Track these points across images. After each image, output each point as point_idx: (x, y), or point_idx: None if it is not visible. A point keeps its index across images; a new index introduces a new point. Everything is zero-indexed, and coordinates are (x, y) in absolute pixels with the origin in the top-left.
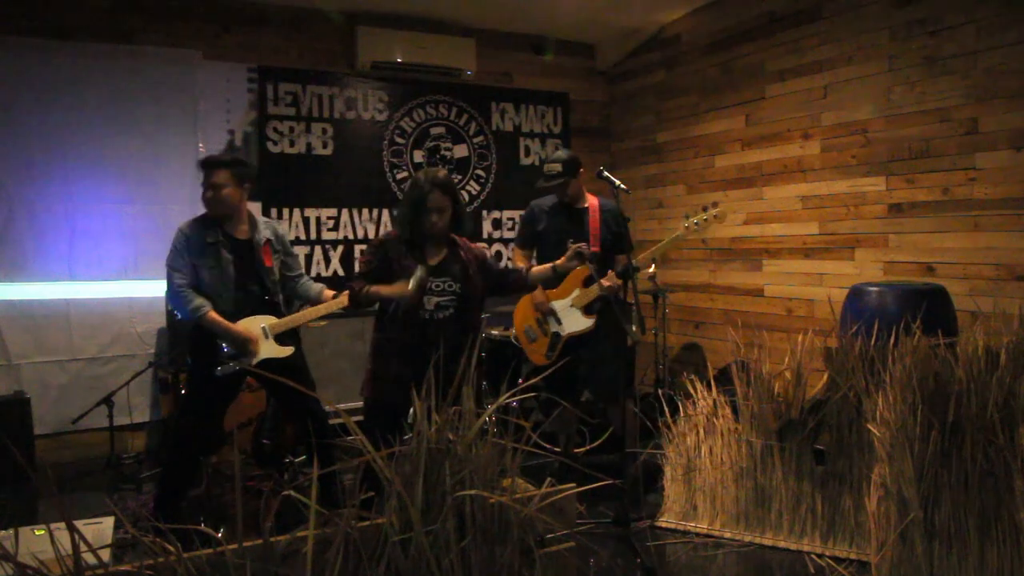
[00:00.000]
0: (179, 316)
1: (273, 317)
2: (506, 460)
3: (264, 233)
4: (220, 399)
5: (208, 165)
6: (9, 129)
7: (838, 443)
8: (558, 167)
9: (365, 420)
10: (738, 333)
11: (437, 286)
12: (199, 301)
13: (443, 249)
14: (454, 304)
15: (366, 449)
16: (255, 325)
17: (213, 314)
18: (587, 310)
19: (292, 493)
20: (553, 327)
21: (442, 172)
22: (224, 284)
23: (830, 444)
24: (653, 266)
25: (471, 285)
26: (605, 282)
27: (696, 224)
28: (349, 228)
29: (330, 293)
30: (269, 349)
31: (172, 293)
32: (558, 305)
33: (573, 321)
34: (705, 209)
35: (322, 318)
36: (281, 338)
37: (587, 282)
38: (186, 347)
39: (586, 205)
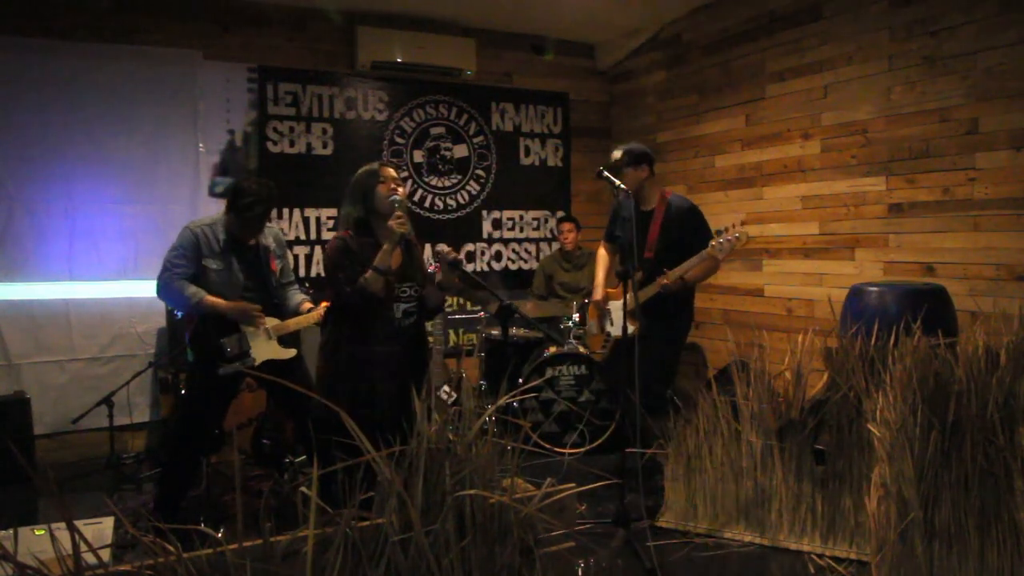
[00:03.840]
0: (174, 308)
1: (276, 319)
2: (506, 460)
3: (268, 238)
4: (220, 399)
5: (269, 208)
6: (9, 129)
7: (838, 443)
8: (617, 153)
9: (321, 430)
10: (738, 333)
11: (403, 292)
12: (193, 289)
13: (399, 251)
14: (416, 310)
15: (366, 449)
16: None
17: (209, 298)
18: (634, 314)
19: (304, 490)
20: (607, 326)
21: None
22: (231, 288)
23: (830, 444)
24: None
25: (424, 283)
26: (662, 280)
27: (720, 244)
28: None
29: (308, 305)
30: (272, 350)
31: (164, 284)
32: (613, 305)
33: (627, 324)
34: (732, 226)
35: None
36: (283, 340)
37: (639, 287)
38: (189, 346)
39: (652, 207)
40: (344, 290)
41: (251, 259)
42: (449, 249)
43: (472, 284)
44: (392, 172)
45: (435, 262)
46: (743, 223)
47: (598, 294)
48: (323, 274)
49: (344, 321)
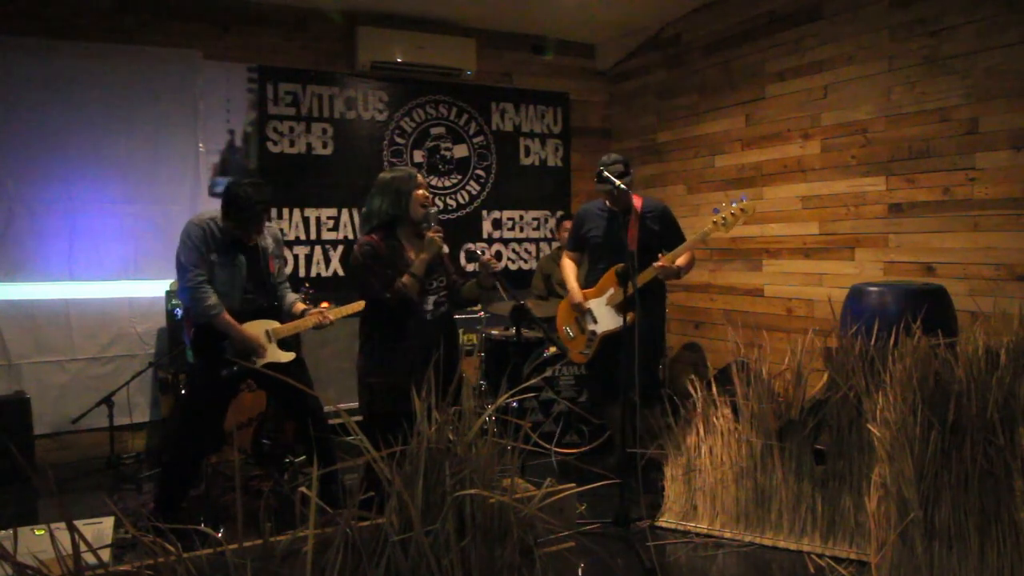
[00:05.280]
0: (189, 312)
1: (276, 322)
2: (506, 460)
3: (267, 239)
4: (220, 399)
5: (266, 209)
6: (9, 129)
7: (838, 443)
8: (621, 166)
9: (371, 430)
10: (738, 333)
11: (430, 285)
12: (215, 300)
13: (419, 245)
14: (446, 300)
15: (366, 449)
16: (260, 329)
17: (226, 315)
18: (622, 308)
19: (305, 491)
20: (589, 325)
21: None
22: (235, 287)
23: (830, 444)
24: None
25: (451, 275)
26: (657, 264)
27: (723, 220)
28: (349, 228)
29: (301, 307)
30: (272, 354)
31: (188, 288)
32: (593, 304)
33: (608, 320)
34: (734, 203)
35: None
36: (283, 343)
37: (621, 280)
38: (190, 347)
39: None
40: (382, 295)
41: (252, 259)
42: (490, 258)
43: (504, 286)
44: (424, 180)
45: (477, 263)
46: (743, 198)
47: (576, 296)
48: (323, 274)
49: (378, 319)
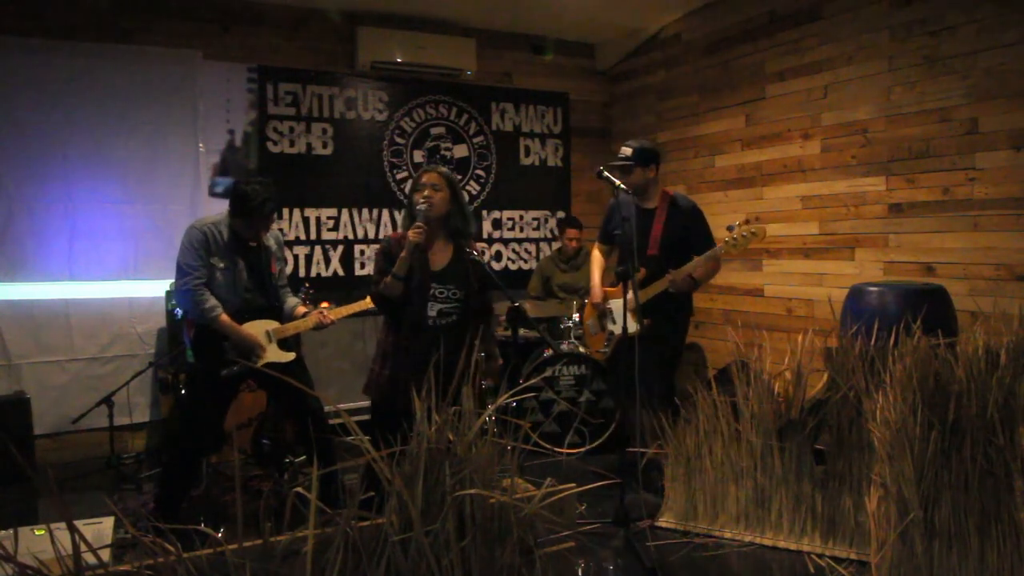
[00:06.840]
0: (188, 315)
1: (276, 322)
2: (506, 460)
3: (269, 240)
4: (220, 399)
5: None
6: (9, 129)
7: (838, 443)
8: (628, 151)
9: (370, 420)
10: (738, 333)
11: (441, 293)
12: (213, 302)
13: (448, 253)
14: (457, 312)
15: (367, 449)
16: (260, 329)
17: (225, 317)
18: (641, 312)
19: (301, 491)
20: (609, 325)
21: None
22: (235, 288)
23: (830, 444)
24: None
25: (473, 292)
26: (668, 277)
27: (734, 240)
28: (349, 228)
29: (302, 310)
30: (272, 354)
31: (185, 291)
32: (615, 305)
33: (628, 322)
34: (748, 222)
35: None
36: (283, 343)
37: (643, 284)
38: (190, 347)
39: (654, 206)
40: (372, 291)
41: (254, 260)
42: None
43: (495, 285)
44: (431, 177)
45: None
46: (757, 219)
47: (596, 296)
48: (323, 274)
49: (385, 316)
